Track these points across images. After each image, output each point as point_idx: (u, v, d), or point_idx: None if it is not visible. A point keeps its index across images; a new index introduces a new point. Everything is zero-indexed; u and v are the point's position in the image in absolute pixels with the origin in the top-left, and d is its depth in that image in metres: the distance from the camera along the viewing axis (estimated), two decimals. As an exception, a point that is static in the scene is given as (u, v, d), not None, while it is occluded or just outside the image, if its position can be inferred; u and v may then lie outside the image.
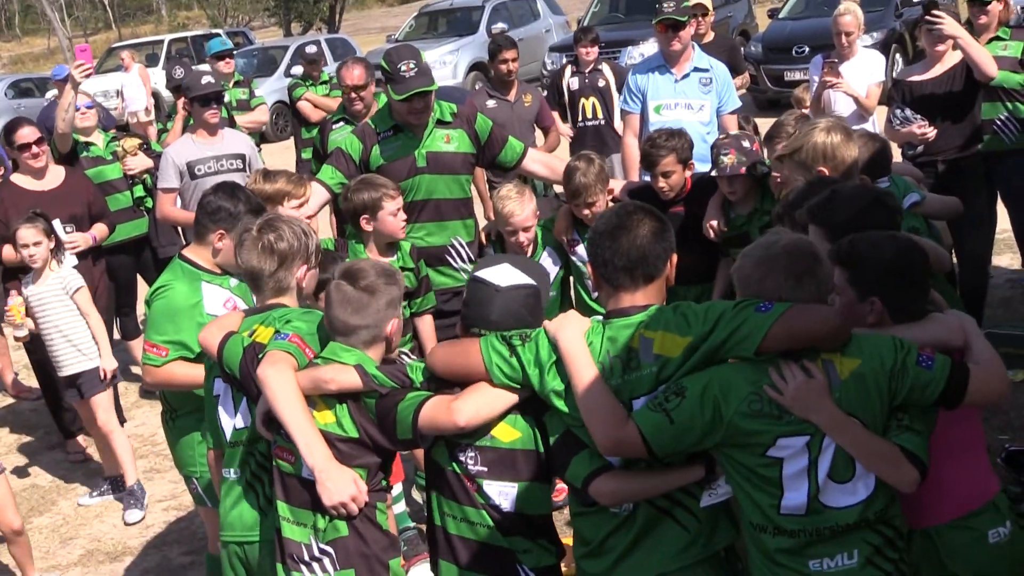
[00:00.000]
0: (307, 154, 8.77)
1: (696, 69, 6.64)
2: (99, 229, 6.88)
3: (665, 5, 6.58)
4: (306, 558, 3.24)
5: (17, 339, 6.21)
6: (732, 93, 6.75)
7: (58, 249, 6.13)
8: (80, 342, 6.08)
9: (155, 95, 22.81)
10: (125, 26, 55.76)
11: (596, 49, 8.94)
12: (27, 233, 6.00)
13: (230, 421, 3.60)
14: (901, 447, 2.83)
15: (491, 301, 3.17)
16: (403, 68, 5.15)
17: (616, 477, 3.00)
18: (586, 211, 5.09)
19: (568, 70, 9.10)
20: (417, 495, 5.45)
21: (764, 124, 8.69)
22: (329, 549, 3.22)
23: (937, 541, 3.10)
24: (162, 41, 27.51)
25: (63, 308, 6.05)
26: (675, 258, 3.12)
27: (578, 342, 2.97)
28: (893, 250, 3.10)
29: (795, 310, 2.83)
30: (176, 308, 4.09)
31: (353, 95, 7.05)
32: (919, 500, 2.97)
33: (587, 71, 8.86)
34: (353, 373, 3.15)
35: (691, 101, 6.60)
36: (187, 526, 5.95)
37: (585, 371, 2.92)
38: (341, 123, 7.11)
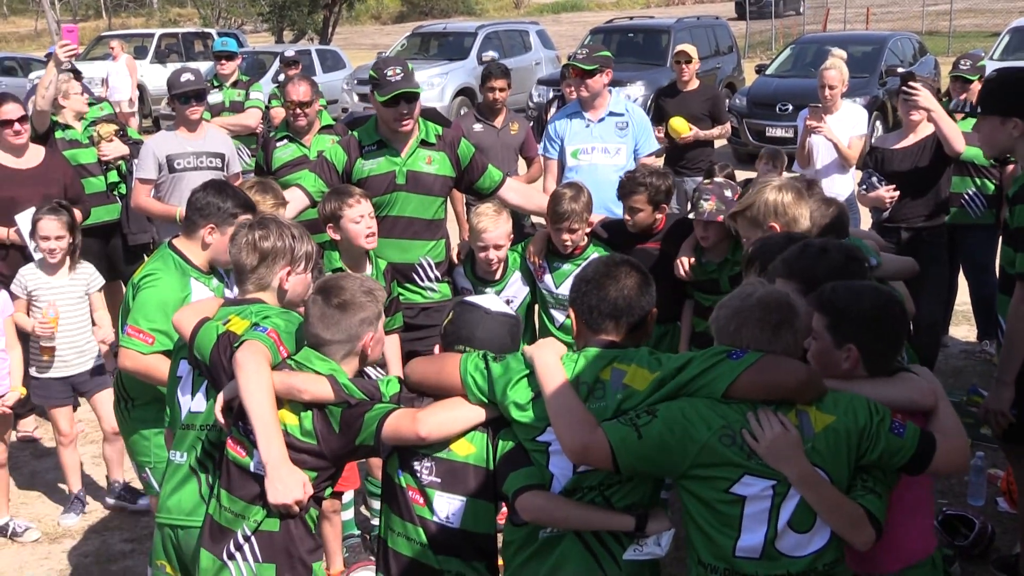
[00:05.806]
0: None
1: (611, 113, 6.68)
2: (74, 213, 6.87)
3: (578, 52, 6.77)
4: (231, 548, 3.26)
5: (43, 348, 5.67)
6: (649, 136, 6.77)
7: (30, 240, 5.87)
8: (84, 344, 5.82)
9: (140, 87, 22.77)
10: (116, 16, 55.72)
11: (582, 87, 9.05)
12: (50, 225, 5.67)
13: (186, 403, 3.66)
14: (865, 509, 2.89)
15: (480, 322, 3.30)
16: (389, 73, 5.22)
17: (545, 496, 3.06)
18: (565, 236, 5.20)
19: (555, 105, 9.21)
20: (364, 508, 5.48)
21: (743, 176, 8.84)
22: (254, 539, 3.24)
23: None
24: (152, 35, 27.43)
25: (73, 309, 5.77)
26: (655, 312, 3.22)
27: (554, 359, 3.07)
28: (874, 301, 3.16)
29: (765, 361, 2.90)
30: (166, 299, 4.11)
31: (297, 111, 7.06)
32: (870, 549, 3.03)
33: (572, 108, 8.97)
34: (326, 385, 3.19)
35: (607, 145, 6.65)
36: (130, 513, 5.94)
37: (558, 380, 3.01)
38: (285, 140, 7.14)
